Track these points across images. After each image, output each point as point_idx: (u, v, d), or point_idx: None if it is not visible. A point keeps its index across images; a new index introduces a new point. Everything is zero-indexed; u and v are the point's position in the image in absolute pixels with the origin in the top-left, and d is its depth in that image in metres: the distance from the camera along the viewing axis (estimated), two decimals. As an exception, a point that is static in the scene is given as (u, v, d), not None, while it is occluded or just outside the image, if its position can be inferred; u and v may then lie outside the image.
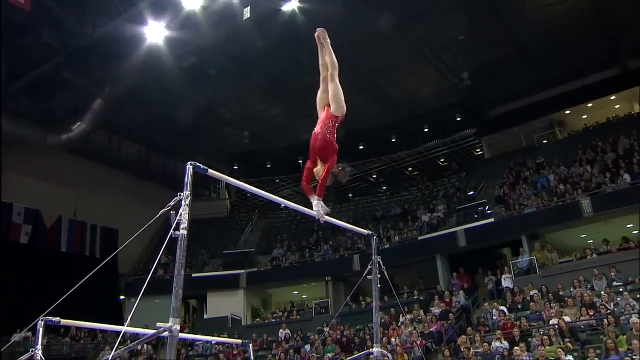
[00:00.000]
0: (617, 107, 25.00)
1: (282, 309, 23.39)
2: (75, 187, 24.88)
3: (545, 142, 25.67)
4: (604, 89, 24.16)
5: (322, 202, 5.71)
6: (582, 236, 19.67)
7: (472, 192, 24.30)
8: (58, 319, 6.18)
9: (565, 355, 12.01)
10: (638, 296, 14.24)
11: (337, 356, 16.19)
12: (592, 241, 18.66)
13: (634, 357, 10.85)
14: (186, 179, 4.40)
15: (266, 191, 5.92)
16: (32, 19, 18.65)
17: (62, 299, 5.08)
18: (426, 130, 27.43)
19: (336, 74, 5.82)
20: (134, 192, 27.18)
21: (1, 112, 18.67)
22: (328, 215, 5.79)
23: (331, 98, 5.80)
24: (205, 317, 25.19)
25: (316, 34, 5.90)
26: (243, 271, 24.64)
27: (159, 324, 4.10)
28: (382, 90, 24.67)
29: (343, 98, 5.81)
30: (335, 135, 5.76)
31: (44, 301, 5.75)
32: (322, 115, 5.83)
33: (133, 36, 18.94)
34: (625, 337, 12.04)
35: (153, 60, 19.71)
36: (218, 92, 23.53)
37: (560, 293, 15.76)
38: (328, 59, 5.85)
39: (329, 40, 5.89)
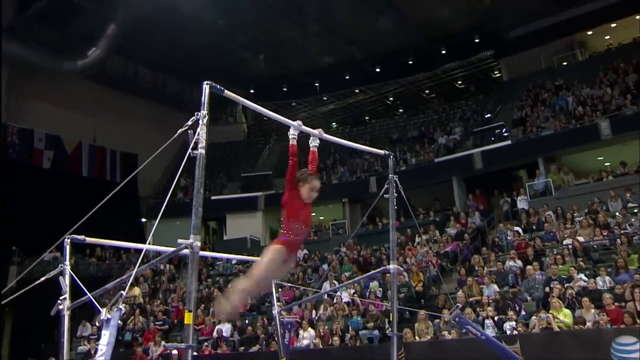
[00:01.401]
0: (642, 26, 24.30)
1: (299, 230, 23.75)
2: (93, 113, 25.09)
3: (565, 63, 25.16)
4: (628, 8, 23.13)
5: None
6: (599, 158, 19.58)
7: (489, 115, 24.13)
8: (83, 237, 6.41)
9: (577, 274, 12.25)
10: (653, 217, 14.31)
11: (354, 274, 16.57)
12: (608, 163, 18.60)
13: (644, 274, 11.06)
14: (203, 99, 4.42)
15: (282, 114, 5.94)
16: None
17: (85, 218, 5.25)
18: (443, 52, 27.00)
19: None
20: (151, 117, 27.34)
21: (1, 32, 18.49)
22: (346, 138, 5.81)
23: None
24: (225, 238, 25.76)
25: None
26: (261, 193, 24.99)
27: (179, 241, 4.23)
28: (399, 11, 24.14)
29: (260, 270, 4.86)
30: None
31: (68, 223, 5.92)
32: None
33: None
34: (637, 255, 12.22)
35: (166, -18, 19.40)
36: (232, 16, 23.17)
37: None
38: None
39: None
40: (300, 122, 5.48)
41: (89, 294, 5.63)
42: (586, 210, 15.63)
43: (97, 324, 15.69)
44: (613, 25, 24.69)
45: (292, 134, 5.38)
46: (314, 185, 4.89)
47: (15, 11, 20.62)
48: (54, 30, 22.64)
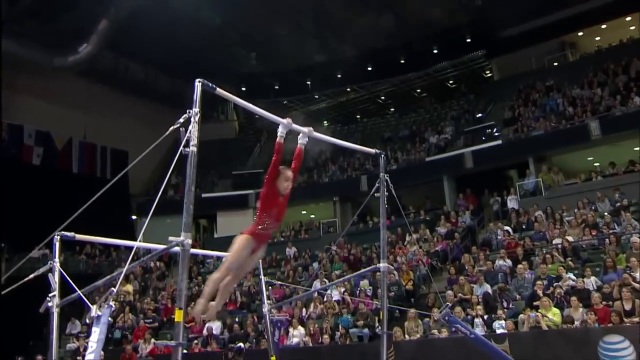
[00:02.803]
0: (631, 28, 24.39)
1: (290, 228, 23.79)
2: (83, 109, 24.93)
3: (555, 64, 25.28)
4: (618, 9, 23.36)
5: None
6: (588, 159, 19.69)
7: (480, 114, 24.21)
8: (73, 233, 6.37)
9: (566, 273, 12.32)
10: (640, 216, 14.41)
11: (345, 273, 16.57)
12: (598, 164, 18.71)
13: (632, 274, 11.13)
14: (194, 96, 4.42)
15: (274, 112, 5.87)
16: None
17: (75, 215, 5.20)
18: (435, 51, 27.01)
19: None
20: (142, 114, 27.17)
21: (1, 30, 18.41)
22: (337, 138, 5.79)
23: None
24: (215, 236, 25.69)
25: None
26: (252, 191, 24.85)
27: (170, 238, 4.23)
28: (392, 10, 24.14)
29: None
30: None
31: (58, 220, 5.87)
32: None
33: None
34: (624, 255, 12.32)
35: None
36: (225, 12, 23.10)
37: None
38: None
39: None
40: (290, 120, 5.48)
41: (79, 291, 5.61)
42: (575, 210, 15.72)
43: (87, 321, 15.64)
44: (603, 26, 24.80)
45: (281, 131, 5.37)
46: (286, 176, 5.17)
47: (6, 5, 20.49)
48: (44, 25, 22.46)
